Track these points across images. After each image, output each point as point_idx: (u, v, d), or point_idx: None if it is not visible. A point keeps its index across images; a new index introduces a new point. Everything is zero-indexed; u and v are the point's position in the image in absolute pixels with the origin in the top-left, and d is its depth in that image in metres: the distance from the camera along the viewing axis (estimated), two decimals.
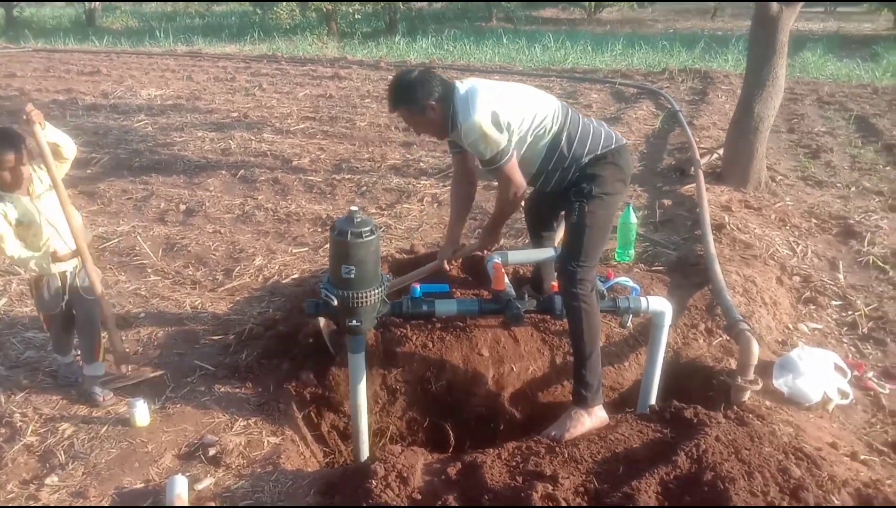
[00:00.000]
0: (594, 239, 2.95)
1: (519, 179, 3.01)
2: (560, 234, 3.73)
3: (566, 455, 2.64)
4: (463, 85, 2.99)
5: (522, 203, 3.38)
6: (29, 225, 3.10)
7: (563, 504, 2.33)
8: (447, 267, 3.77)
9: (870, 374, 3.60)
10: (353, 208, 2.77)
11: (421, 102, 2.94)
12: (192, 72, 13.20)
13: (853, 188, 6.35)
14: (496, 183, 3.20)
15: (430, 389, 3.39)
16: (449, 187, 6.24)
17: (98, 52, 16.42)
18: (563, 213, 3.34)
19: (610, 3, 26.67)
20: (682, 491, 2.38)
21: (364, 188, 6.35)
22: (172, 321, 4.03)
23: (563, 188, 3.11)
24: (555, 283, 3.31)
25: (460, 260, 4.05)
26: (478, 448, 3.06)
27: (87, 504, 2.67)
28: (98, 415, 3.21)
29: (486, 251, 3.52)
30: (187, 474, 2.81)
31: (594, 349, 2.92)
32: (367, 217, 2.79)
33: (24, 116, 2.90)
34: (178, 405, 3.27)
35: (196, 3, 29.51)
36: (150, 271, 4.77)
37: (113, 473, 2.83)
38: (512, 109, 2.91)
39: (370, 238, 2.72)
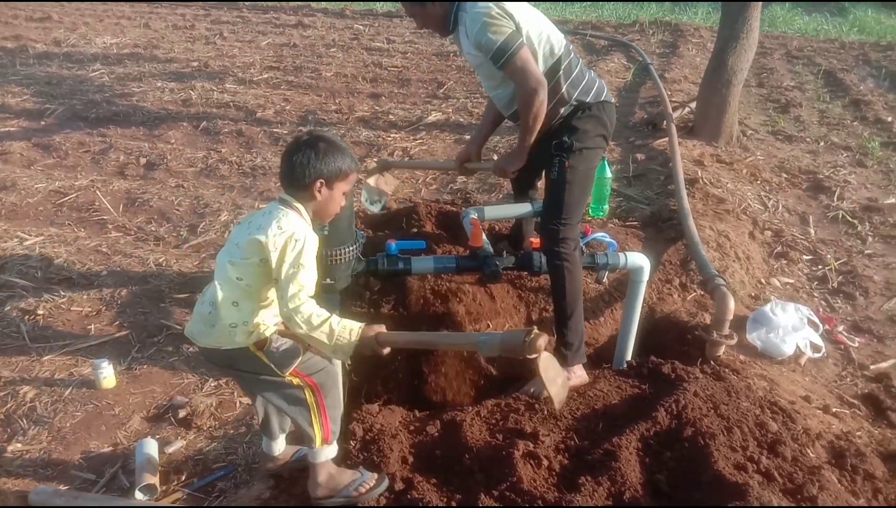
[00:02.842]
0: (576, 195, 2.88)
1: (537, 71, 2.72)
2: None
3: (545, 412, 2.62)
4: None
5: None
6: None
7: (545, 461, 2.31)
8: (460, 173, 3.64)
9: (840, 328, 3.65)
10: None
11: None
12: (150, 19, 12.66)
13: (822, 143, 6.39)
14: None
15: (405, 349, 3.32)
16: (420, 141, 6.13)
17: None
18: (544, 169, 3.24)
19: None
20: (662, 447, 2.37)
21: None
22: (136, 279, 3.89)
23: (545, 136, 2.97)
24: (533, 239, 3.25)
25: (435, 213, 3.99)
26: (456, 405, 3.04)
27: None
28: (61, 377, 3.10)
29: (500, 176, 3.30)
30: (157, 436, 2.74)
31: (576, 308, 2.88)
32: None
33: None
34: (145, 366, 3.17)
35: None
36: (110, 226, 4.60)
37: (78, 437, 2.74)
38: (519, 11, 2.76)
39: (346, 189, 2.61)
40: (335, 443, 2.29)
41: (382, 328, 2.17)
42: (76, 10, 13.62)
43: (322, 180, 2.13)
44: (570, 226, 2.86)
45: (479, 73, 3.05)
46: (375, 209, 4.09)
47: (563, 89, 2.87)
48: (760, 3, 5.70)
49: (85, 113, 7.00)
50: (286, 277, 2.04)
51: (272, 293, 2.15)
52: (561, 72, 2.85)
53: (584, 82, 2.90)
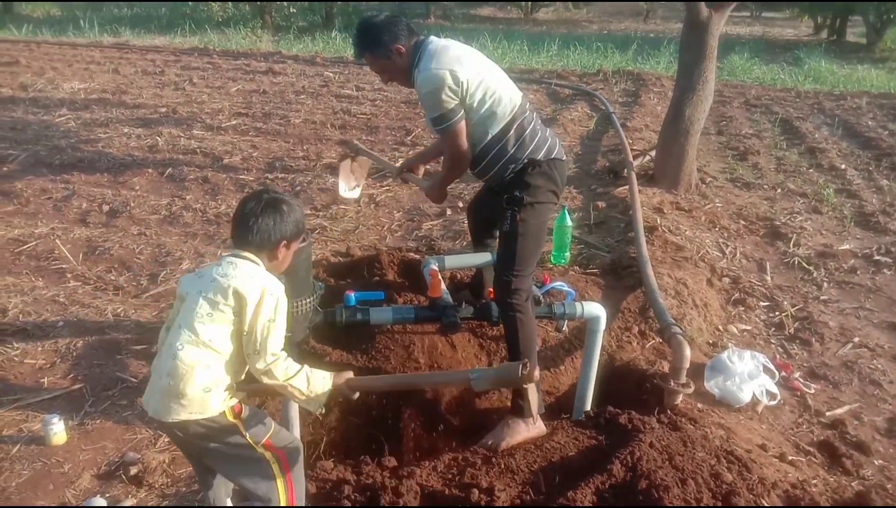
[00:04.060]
0: (527, 248, 2.92)
1: (463, 145, 2.91)
2: None
3: (502, 466, 2.61)
4: (438, 40, 2.94)
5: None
6: None
7: None
8: (397, 177, 3.90)
9: (796, 374, 3.70)
10: None
11: (387, 45, 2.90)
12: (119, 64, 12.69)
13: (779, 190, 6.55)
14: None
15: (366, 398, 3.30)
16: (386, 188, 6.19)
17: (17, 42, 15.59)
18: None
19: (546, 3, 26.93)
20: (617, 500, 2.37)
21: (298, 188, 6.20)
22: (93, 330, 3.83)
23: (498, 189, 3.06)
24: (492, 289, 3.27)
25: (398, 262, 4.01)
26: (416, 456, 3.02)
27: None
28: (9, 433, 3.02)
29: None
30: (107, 495, 2.67)
31: (531, 359, 2.89)
32: None
33: None
34: (98, 421, 3.10)
35: None
36: (69, 275, 4.53)
37: (24, 497, 2.66)
38: (475, 75, 2.85)
39: (301, 246, 2.62)
40: None
41: (350, 374, 2.22)
42: (45, 55, 13.62)
43: (285, 241, 2.18)
44: (522, 278, 2.90)
45: None
46: (355, 195, 4.09)
47: (514, 149, 2.94)
48: (715, 55, 5.89)
49: (49, 159, 6.94)
50: (263, 331, 2.04)
51: (235, 349, 2.10)
52: (512, 132, 2.93)
53: (535, 141, 2.97)
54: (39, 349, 3.66)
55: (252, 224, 2.12)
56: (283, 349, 2.11)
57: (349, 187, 3.97)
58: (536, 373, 2.26)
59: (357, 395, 2.22)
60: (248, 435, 2.12)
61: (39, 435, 2.96)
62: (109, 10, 24.25)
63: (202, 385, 2.02)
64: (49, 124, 8.34)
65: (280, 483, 2.19)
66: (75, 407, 3.20)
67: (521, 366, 2.11)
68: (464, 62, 2.83)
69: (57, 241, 4.95)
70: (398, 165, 3.83)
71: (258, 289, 2.04)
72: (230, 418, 2.10)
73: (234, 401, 2.12)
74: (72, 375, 3.45)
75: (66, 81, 11.02)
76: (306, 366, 2.14)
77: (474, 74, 2.84)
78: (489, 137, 2.93)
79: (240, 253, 2.15)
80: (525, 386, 2.29)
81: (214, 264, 2.17)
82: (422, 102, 2.92)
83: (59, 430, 2.93)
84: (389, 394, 3.28)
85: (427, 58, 2.84)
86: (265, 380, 2.08)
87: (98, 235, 5.14)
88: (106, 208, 5.68)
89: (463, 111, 2.85)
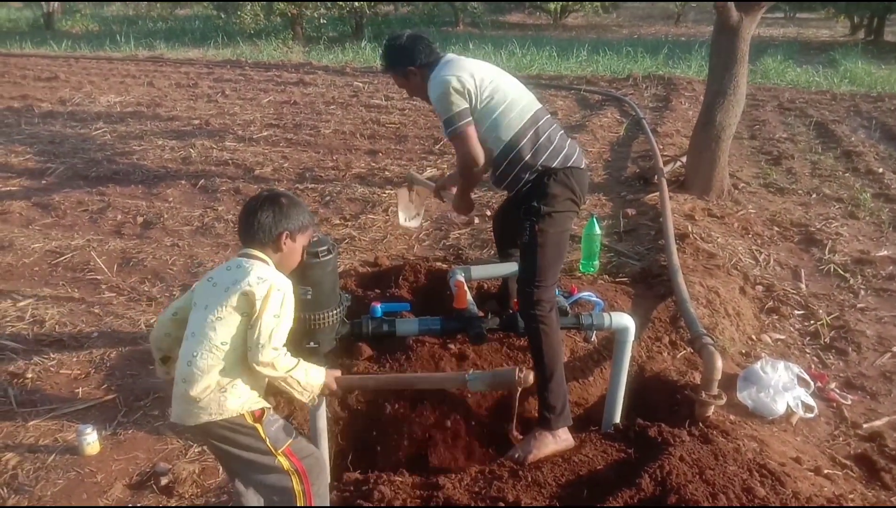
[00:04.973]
0: (548, 258, 2.90)
1: (474, 149, 2.93)
2: None
3: (529, 480, 2.59)
4: (453, 55, 3.09)
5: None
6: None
7: None
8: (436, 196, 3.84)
9: (832, 385, 3.61)
10: None
11: (404, 66, 3.07)
12: (154, 78, 12.95)
13: (814, 195, 6.43)
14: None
15: (393, 408, 3.31)
16: None
17: (56, 57, 16.03)
18: None
19: (575, 5, 26.75)
20: None
21: (328, 198, 6.26)
22: (126, 341, 3.90)
23: (515, 201, 3.07)
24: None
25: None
26: (443, 468, 3.01)
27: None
28: (45, 443, 3.08)
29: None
30: (138, 505, 2.71)
31: (556, 370, 2.87)
32: (324, 236, 2.71)
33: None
34: (130, 431, 3.15)
35: (158, 5, 28.96)
36: (104, 286, 4.62)
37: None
38: (484, 81, 2.94)
39: (327, 258, 2.64)
40: None
41: (338, 373, 2.40)
42: (83, 70, 13.96)
43: (287, 233, 2.23)
44: (545, 288, 2.87)
45: None
46: (415, 224, 4.24)
47: (528, 156, 2.94)
48: (746, 59, 5.80)
49: (85, 172, 7.10)
50: (266, 326, 2.07)
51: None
52: (527, 139, 2.94)
53: (550, 148, 2.96)
54: (74, 359, 3.74)
55: (253, 220, 2.20)
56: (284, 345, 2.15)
57: (409, 217, 4.07)
58: (531, 377, 2.42)
59: (340, 392, 2.40)
60: (267, 440, 2.15)
61: (74, 445, 3.01)
62: (145, 25, 24.77)
63: (217, 386, 2.07)
64: (86, 137, 8.53)
65: (299, 497, 2.20)
66: (108, 417, 3.25)
67: (516, 370, 2.30)
68: (471, 69, 2.95)
69: (92, 252, 5.05)
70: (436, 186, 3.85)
71: (266, 285, 2.09)
72: (250, 421, 2.14)
73: (258, 406, 2.16)
74: (105, 385, 3.51)
75: (103, 94, 11.28)
76: (302, 359, 2.20)
77: (483, 80, 2.93)
78: (504, 143, 2.96)
79: (248, 252, 2.21)
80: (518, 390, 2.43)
81: (224, 265, 2.23)
82: (434, 108, 3.01)
83: (92, 440, 2.98)
84: (417, 407, 3.27)
85: (439, 68, 2.99)
86: (266, 372, 2.10)
87: (132, 246, 5.23)
88: (140, 219, 5.79)
89: (471, 118, 2.92)
